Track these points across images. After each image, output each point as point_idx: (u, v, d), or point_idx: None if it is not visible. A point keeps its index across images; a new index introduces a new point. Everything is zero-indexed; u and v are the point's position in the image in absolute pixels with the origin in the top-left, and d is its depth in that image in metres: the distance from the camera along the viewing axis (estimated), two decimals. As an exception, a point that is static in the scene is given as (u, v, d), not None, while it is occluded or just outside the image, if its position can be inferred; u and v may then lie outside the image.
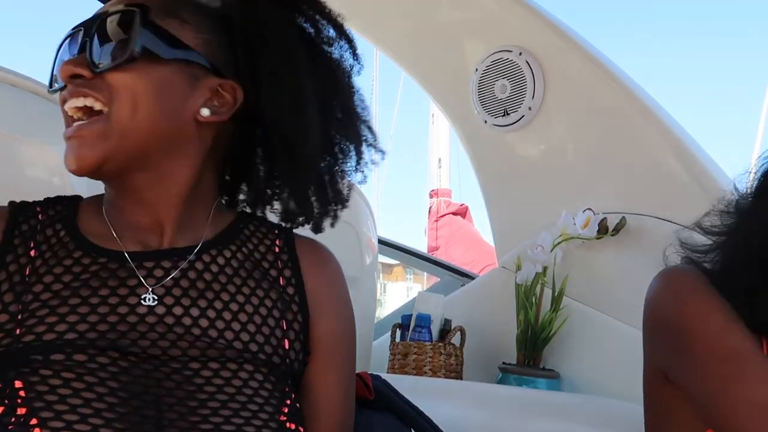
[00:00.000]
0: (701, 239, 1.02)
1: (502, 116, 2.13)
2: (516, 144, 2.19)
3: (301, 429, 0.78)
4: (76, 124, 0.77)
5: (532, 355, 1.88)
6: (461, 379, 1.94)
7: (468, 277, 2.93)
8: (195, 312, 0.78)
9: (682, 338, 0.94)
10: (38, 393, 0.69)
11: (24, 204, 0.84)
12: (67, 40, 0.81)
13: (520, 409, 1.62)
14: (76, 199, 0.86)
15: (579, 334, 1.90)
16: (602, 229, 1.89)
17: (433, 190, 7.53)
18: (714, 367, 0.90)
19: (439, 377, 1.88)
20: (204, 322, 0.77)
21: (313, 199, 0.90)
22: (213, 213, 0.86)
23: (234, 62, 0.84)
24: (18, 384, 0.70)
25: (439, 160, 8.12)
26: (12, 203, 0.84)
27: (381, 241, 2.38)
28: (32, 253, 0.78)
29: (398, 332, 2.00)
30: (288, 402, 0.78)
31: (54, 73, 0.81)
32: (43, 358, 0.71)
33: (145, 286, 0.77)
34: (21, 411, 0.68)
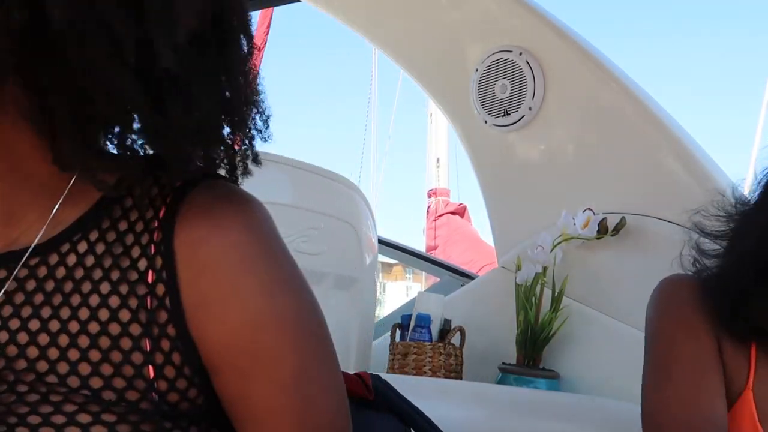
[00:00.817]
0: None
1: (502, 116, 2.13)
2: (516, 144, 2.19)
3: None
4: None
5: (531, 356, 1.88)
6: (461, 379, 1.94)
7: (468, 277, 2.93)
8: (23, 338, 0.58)
9: (646, 344, 1.02)
10: None
11: None
12: None
13: (520, 409, 1.62)
14: None
15: (579, 334, 1.91)
16: (602, 229, 1.89)
17: (431, 190, 7.54)
18: (648, 374, 0.99)
19: (439, 377, 1.88)
20: (33, 352, 0.57)
21: None
22: (69, 190, 0.61)
23: None
24: None
25: (438, 159, 8.12)
26: None
27: (381, 241, 2.38)
28: None
29: (398, 332, 2.00)
30: None
31: None
32: None
33: None
34: None
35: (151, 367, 0.58)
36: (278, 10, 6.99)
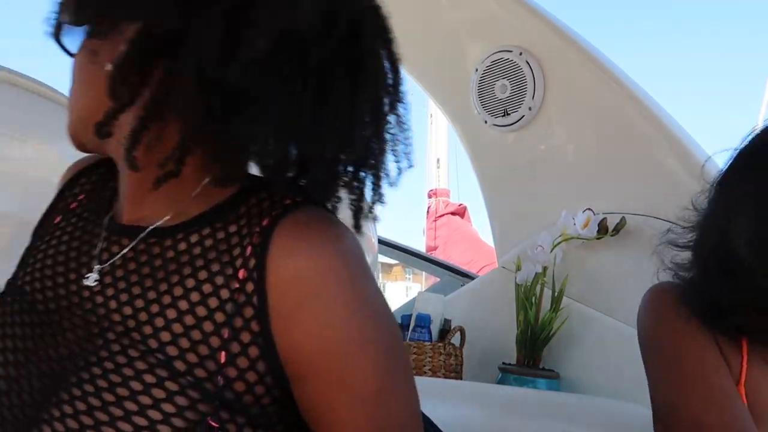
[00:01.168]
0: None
1: (502, 116, 2.13)
2: (516, 144, 2.19)
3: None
4: None
5: (531, 355, 1.88)
6: (461, 379, 1.94)
7: (468, 277, 2.93)
8: (124, 297, 0.67)
9: (642, 351, 1.04)
10: None
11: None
12: None
13: (520, 409, 1.62)
14: None
15: (579, 334, 1.91)
16: (602, 229, 1.89)
17: (431, 190, 7.52)
18: (663, 385, 0.99)
19: (439, 377, 1.88)
20: (128, 310, 0.66)
21: None
22: (203, 188, 0.70)
23: None
24: None
25: (438, 160, 8.10)
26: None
27: (381, 241, 2.38)
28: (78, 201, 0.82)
29: (398, 332, 2.00)
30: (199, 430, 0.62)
31: None
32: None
33: (93, 266, 0.71)
34: None
35: (224, 353, 0.63)
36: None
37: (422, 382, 1.96)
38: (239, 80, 0.62)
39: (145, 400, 0.61)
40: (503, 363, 1.92)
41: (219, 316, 0.64)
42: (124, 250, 0.70)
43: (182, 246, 0.68)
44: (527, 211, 2.16)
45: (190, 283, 0.66)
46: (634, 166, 1.95)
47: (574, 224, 1.90)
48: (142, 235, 0.69)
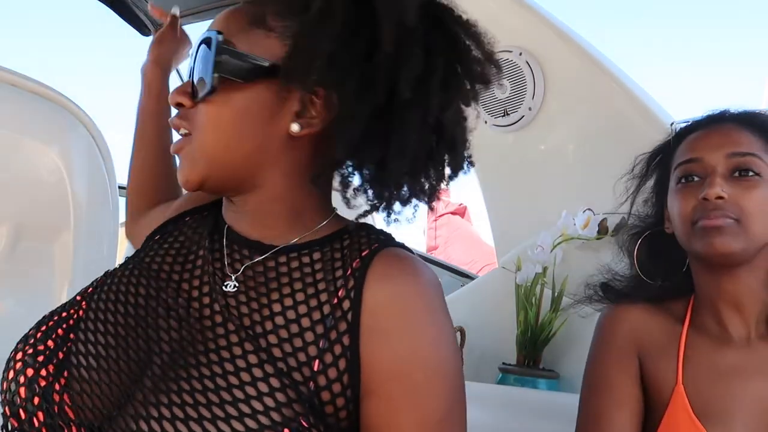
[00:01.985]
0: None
1: (502, 116, 2.13)
2: (516, 144, 2.19)
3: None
4: (178, 142, 0.81)
5: (532, 356, 1.88)
6: (461, 379, 1.94)
7: (468, 277, 2.94)
8: (249, 301, 0.77)
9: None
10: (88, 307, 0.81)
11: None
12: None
13: (520, 409, 1.62)
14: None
15: (579, 335, 1.90)
16: (602, 230, 1.89)
17: (432, 190, 7.51)
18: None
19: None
20: (244, 309, 0.76)
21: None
22: (328, 221, 0.83)
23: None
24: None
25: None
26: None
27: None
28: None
29: (398, 332, 2.00)
30: (292, 427, 0.68)
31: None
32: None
33: (227, 273, 0.80)
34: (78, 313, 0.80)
35: (317, 361, 0.71)
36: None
37: (422, 383, 1.94)
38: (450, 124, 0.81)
39: (251, 390, 0.68)
40: (503, 363, 1.92)
41: (319, 328, 0.73)
42: (250, 262, 0.80)
43: (294, 263, 0.79)
44: (527, 211, 2.16)
45: (300, 296, 0.75)
46: (635, 166, 1.95)
47: (574, 224, 1.90)
48: (274, 249, 0.80)
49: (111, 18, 2.45)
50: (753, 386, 1.02)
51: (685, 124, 1.17)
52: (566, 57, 2.04)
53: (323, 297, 0.75)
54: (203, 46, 0.78)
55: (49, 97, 1.43)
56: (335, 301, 0.74)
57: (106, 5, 2.43)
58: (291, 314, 0.74)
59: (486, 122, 2.16)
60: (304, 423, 0.69)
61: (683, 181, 1.08)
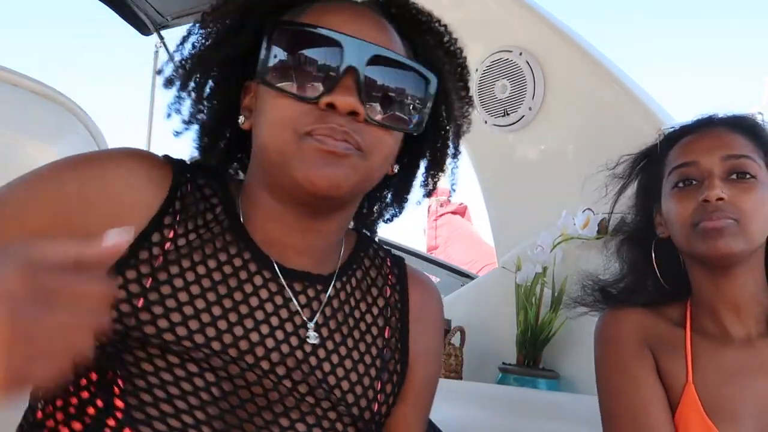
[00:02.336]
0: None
1: (502, 116, 2.13)
2: (516, 144, 2.19)
3: None
4: (344, 147, 0.72)
5: (532, 355, 1.88)
6: (461, 379, 1.94)
7: (468, 277, 2.93)
8: (329, 353, 0.76)
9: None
10: (138, 396, 0.67)
11: (182, 164, 0.79)
12: (342, 63, 0.72)
13: (520, 409, 1.62)
14: (223, 176, 0.81)
15: (579, 335, 1.90)
16: (602, 229, 1.88)
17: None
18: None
19: (439, 377, 1.88)
20: (326, 331, 0.76)
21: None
22: (345, 239, 0.85)
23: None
24: (119, 380, 0.67)
25: (439, 159, 8.09)
26: (169, 159, 0.78)
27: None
28: (184, 228, 0.74)
29: (398, 332, 2.00)
30: None
31: (324, 87, 0.72)
32: (159, 353, 0.68)
33: (304, 319, 0.75)
34: (119, 404, 0.67)
35: (380, 396, 0.78)
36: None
37: (422, 382, 1.93)
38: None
39: None
40: (503, 363, 1.92)
41: (378, 362, 0.80)
42: (323, 305, 0.78)
43: (347, 290, 0.81)
44: (527, 211, 2.16)
45: (362, 326, 0.81)
46: (634, 166, 1.95)
47: (574, 224, 1.90)
48: (334, 279, 0.80)
49: (111, 18, 2.45)
50: (757, 385, 1.04)
51: (672, 129, 1.18)
52: (566, 57, 2.04)
53: (379, 323, 0.82)
54: (414, 75, 0.77)
55: (49, 97, 1.43)
56: (388, 333, 0.82)
57: (106, 5, 2.43)
58: (356, 354, 0.78)
59: (486, 122, 2.16)
60: None
61: (680, 185, 1.09)
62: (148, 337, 0.67)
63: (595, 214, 1.90)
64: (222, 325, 0.70)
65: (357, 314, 0.80)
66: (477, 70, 2.15)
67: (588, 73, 2.01)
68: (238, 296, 0.72)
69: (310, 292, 0.77)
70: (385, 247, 0.89)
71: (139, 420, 0.65)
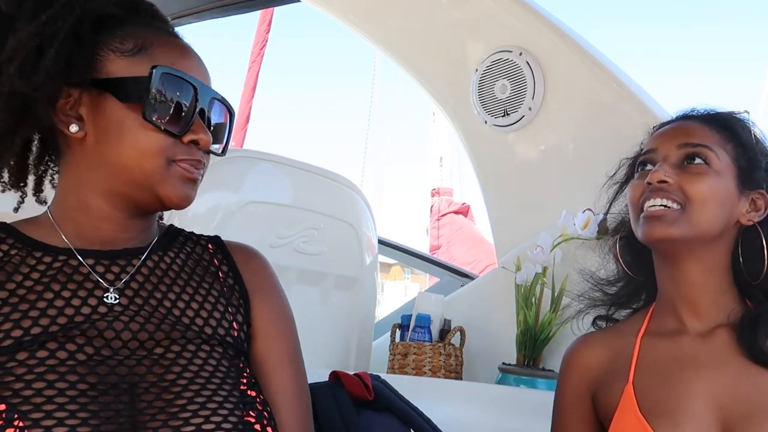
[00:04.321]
0: None
1: (502, 116, 2.13)
2: (516, 144, 2.19)
3: (260, 396, 0.88)
4: (199, 174, 0.91)
5: (531, 356, 1.88)
6: (461, 379, 1.94)
7: (468, 277, 2.94)
8: (153, 302, 0.87)
9: None
10: (13, 390, 0.75)
11: None
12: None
13: (520, 409, 1.62)
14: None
15: (579, 335, 1.90)
16: (602, 229, 1.89)
17: (434, 189, 7.52)
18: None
19: (439, 377, 1.88)
20: (162, 310, 0.87)
21: None
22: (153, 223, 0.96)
23: None
24: None
25: (441, 158, 8.10)
26: None
27: (380, 241, 2.38)
28: None
29: (398, 332, 2.00)
30: (245, 374, 0.88)
31: (183, 125, 0.88)
32: (9, 356, 0.78)
33: (104, 287, 0.86)
34: None
35: (235, 323, 0.92)
36: (278, 10, 7.00)
37: (422, 382, 1.97)
38: None
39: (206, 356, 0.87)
40: (503, 363, 1.92)
41: (222, 300, 0.93)
42: (132, 270, 0.89)
43: (167, 260, 0.93)
44: (527, 211, 2.16)
45: (194, 282, 0.92)
46: (634, 166, 1.95)
47: (574, 224, 1.90)
48: (147, 251, 0.92)
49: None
50: (705, 378, 1.03)
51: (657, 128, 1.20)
52: (566, 57, 2.04)
53: (208, 278, 0.94)
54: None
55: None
56: (221, 280, 0.95)
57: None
58: (199, 297, 0.91)
59: (486, 122, 2.16)
60: (246, 372, 0.90)
61: (638, 170, 1.12)
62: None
63: (595, 214, 1.90)
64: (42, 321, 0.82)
65: (178, 273, 0.92)
66: (477, 70, 2.16)
67: (588, 73, 2.01)
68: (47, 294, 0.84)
69: (120, 262, 0.89)
70: (193, 232, 1.01)
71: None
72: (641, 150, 1.19)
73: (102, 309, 0.84)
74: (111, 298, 0.85)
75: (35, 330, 0.80)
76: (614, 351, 1.13)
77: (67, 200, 0.90)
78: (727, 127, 1.10)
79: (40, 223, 0.91)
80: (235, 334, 0.91)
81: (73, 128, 0.86)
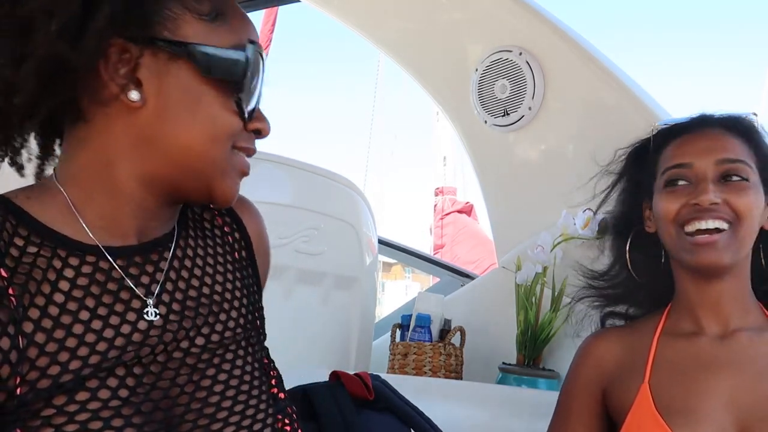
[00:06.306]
0: None
1: (502, 116, 2.13)
2: (516, 144, 2.19)
3: (285, 393, 0.83)
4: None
5: (532, 355, 1.88)
6: (461, 379, 1.94)
7: (468, 277, 2.94)
8: (191, 304, 0.76)
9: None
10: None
11: None
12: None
13: (520, 409, 1.62)
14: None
15: (579, 334, 1.91)
16: (602, 229, 1.89)
17: (438, 188, 7.51)
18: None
19: (439, 377, 1.88)
20: (200, 321, 0.76)
21: None
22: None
23: None
24: None
25: (444, 158, 8.10)
26: None
27: (381, 241, 2.38)
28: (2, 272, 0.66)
29: (398, 332, 2.00)
30: (272, 373, 0.83)
31: (248, 112, 0.75)
32: (45, 401, 0.64)
33: (140, 296, 0.72)
34: None
35: (252, 307, 0.83)
36: (283, 9, 7.00)
37: (422, 382, 1.97)
38: None
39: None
40: (503, 363, 1.92)
41: (238, 284, 0.82)
42: (161, 276, 0.76)
43: (190, 252, 0.80)
44: (527, 211, 2.16)
45: (220, 270, 0.81)
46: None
47: (574, 224, 1.90)
48: (173, 245, 0.79)
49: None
50: (722, 379, 1.03)
51: (665, 126, 1.19)
52: (566, 57, 2.04)
53: (229, 257, 0.84)
54: None
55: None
56: (235, 255, 0.85)
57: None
58: (219, 288, 0.80)
59: (486, 122, 2.16)
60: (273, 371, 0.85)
61: (673, 184, 1.10)
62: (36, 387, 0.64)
63: (595, 214, 1.90)
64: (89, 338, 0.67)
65: (203, 265, 0.80)
66: (477, 70, 2.16)
67: (588, 73, 2.01)
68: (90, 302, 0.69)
69: (150, 258, 0.75)
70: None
71: None
72: (646, 150, 1.19)
73: (142, 325, 0.70)
74: (151, 313, 0.71)
75: (74, 365, 0.65)
76: (630, 348, 1.13)
77: (91, 179, 0.71)
78: (751, 137, 1.11)
79: (46, 201, 0.71)
80: (251, 319, 0.82)
81: (134, 95, 0.69)
